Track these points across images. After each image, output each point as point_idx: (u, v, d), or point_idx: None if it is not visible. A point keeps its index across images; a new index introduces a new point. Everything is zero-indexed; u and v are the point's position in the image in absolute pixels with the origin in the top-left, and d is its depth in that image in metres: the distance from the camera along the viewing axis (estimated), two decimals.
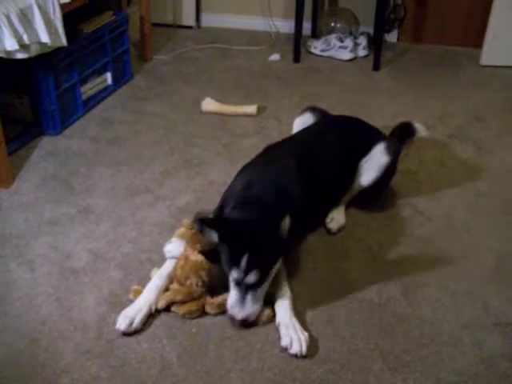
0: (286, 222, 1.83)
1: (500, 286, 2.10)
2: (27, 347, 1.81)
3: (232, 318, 1.85)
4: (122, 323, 1.84)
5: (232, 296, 1.85)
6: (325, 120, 2.64)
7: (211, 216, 2.02)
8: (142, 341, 1.84)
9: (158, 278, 1.98)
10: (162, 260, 2.16)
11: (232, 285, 1.85)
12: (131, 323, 1.84)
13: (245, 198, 1.96)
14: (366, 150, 2.43)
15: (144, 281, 2.06)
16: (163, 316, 1.93)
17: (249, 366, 1.76)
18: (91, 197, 2.57)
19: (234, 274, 1.82)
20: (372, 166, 2.40)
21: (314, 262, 2.20)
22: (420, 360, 1.79)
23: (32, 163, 2.83)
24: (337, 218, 2.40)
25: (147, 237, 2.32)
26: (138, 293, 1.96)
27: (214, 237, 1.89)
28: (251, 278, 1.79)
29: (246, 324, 1.85)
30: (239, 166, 2.24)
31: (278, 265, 1.90)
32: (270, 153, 2.29)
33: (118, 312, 1.91)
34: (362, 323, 1.92)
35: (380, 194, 2.53)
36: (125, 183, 2.68)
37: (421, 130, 2.77)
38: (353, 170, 2.42)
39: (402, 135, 2.72)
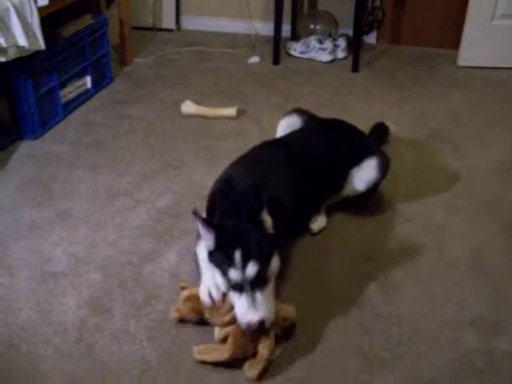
0: (268, 218, 1.85)
1: (476, 284, 2.13)
2: (6, 352, 1.81)
3: (249, 326, 1.72)
4: (206, 297, 1.83)
5: (241, 304, 1.74)
6: (315, 123, 2.63)
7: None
8: (122, 343, 1.84)
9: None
10: (141, 263, 2.17)
11: (237, 296, 1.76)
12: (218, 289, 1.83)
13: (232, 200, 1.97)
14: (356, 159, 2.44)
15: (124, 283, 2.07)
16: (144, 319, 1.93)
17: (228, 367, 1.75)
18: (71, 200, 2.57)
19: (233, 276, 1.75)
20: (362, 179, 2.42)
21: (293, 262, 2.21)
22: (399, 358, 1.81)
23: (11, 167, 2.82)
24: (318, 219, 2.42)
25: (127, 240, 2.32)
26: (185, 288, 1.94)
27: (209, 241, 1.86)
28: (250, 270, 1.73)
29: (263, 328, 1.73)
30: (219, 169, 2.25)
31: (276, 263, 1.85)
32: (258, 152, 2.31)
33: (98, 315, 1.92)
34: (341, 322, 1.94)
35: (364, 202, 2.54)
36: (104, 186, 2.68)
37: (391, 126, 2.80)
38: (341, 178, 2.44)
39: (378, 135, 2.74)
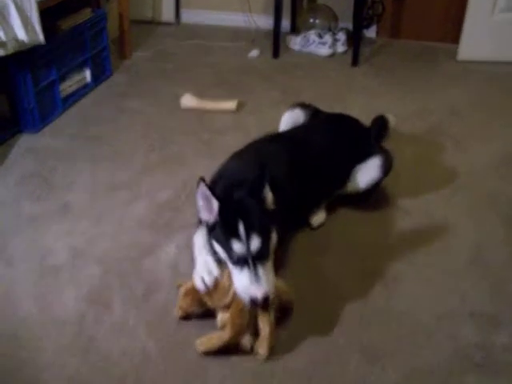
0: (270, 194, 1.86)
1: (476, 278, 2.13)
2: (7, 345, 1.81)
3: (254, 301, 1.70)
4: (199, 283, 1.83)
5: (243, 278, 1.73)
6: (322, 118, 2.64)
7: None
8: (122, 336, 1.84)
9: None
10: (141, 256, 2.17)
11: (238, 271, 1.75)
12: (210, 273, 1.84)
13: (234, 180, 1.98)
14: (361, 157, 2.45)
15: (124, 276, 2.07)
16: (143, 312, 1.94)
17: (228, 358, 1.76)
18: (71, 194, 2.57)
19: (237, 249, 1.74)
20: (365, 177, 2.43)
21: (293, 257, 2.21)
22: (398, 351, 1.81)
23: (11, 161, 2.82)
24: (318, 214, 2.41)
25: (127, 233, 2.32)
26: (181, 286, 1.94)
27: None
28: (255, 244, 1.73)
29: (266, 303, 1.72)
30: (219, 162, 2.24)
31: (275, 239, 1.86)
32: (260, 144, 2.32)
33: (98, 308, 1.92)
34: (341, 315, 1.94)
35: (366, 200, 2.54)
36: (104, 180, 2.68)
37: (391, 119, 2.80)
38: (344, 174, 2.44)
39: (379, 129, 2.74)
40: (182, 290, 1.91)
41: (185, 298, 1.89)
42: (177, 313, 1.90)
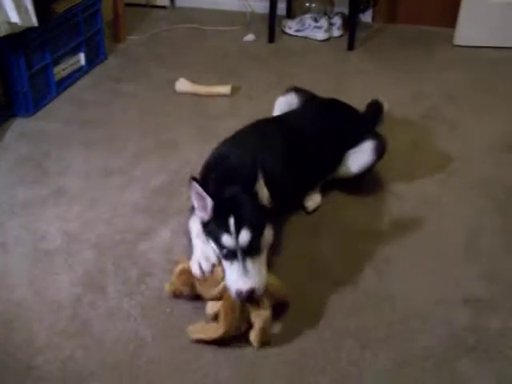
0: (265, 190, 1.86)
1: (470, 263, 2.13)
2: (1, 329, 1.81)
3: (239, 294, 1.72)
4: (196, 268, 1.85)
5: (232, 272, 1.76)
6: (315, 102, 2.63)
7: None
8: (116, 320, 1.85)
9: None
10: (135, 240, 2.17)
11: (228, 264, 1.78)
12: (208, 260, 1.86)
13: (227, 171, 2.00)
14: (354, 141, 2.44)
15: (118, 261, 2.07)
16: (138, 296, 1.94)
17: (223, 345, 1.76)
18: (65, 178, 2.56)
19: (226, 242, 1.76)
20: (357, 161, 2.42)
21: (286, 239, 2.22)
22: (391, 336, 1.82)
23: (4, 145, 2.80)
24: (313, 197, 2.42)
25: (121, 217, 2.32)
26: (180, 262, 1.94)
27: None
28: (244, 237, 1.75)
29: (254, 298, 1.74)
30: (213, 147, 2.24)
31: (269, 234, 1.87)
32: (253, 128, 2.32)
33: (93, 292, 1.93)
34: (333, 300, 1.95)
35: (358, 182, 2.54)
36: (98, 164, 2.67)
37: (385, 103, 2.80)
38: (338, 158, 2.44)
39: (373, 113, 2.74)
40: (179, 267, 1.91)
41: (179, 276, 1.89)
42: (168, 288, 1.91)
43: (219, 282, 1.82)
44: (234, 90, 3.35)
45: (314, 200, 2.41)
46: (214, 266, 1.86)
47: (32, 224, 2.27)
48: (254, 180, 1.83)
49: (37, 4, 2.82)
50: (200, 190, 1.82)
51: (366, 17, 4.55)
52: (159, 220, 2.31)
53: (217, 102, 3.26)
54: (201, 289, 1.86)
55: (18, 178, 2.55)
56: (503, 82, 3.58)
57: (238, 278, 1.74)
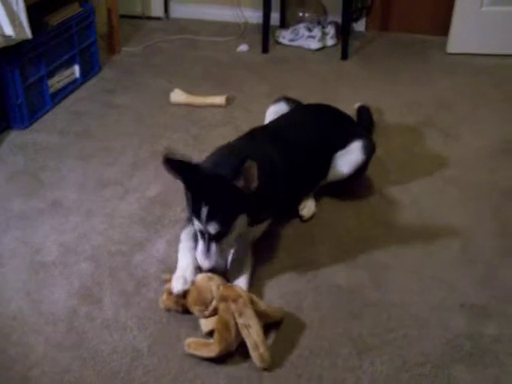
0: (255, 172, 1.88)
1: (466, 269, 2.14)
2: None
3: (200, 268, 1.92)
4: (177, 284, 1.88)
5: (199, 246, 1.93)
6: (303, 108, 2.65)
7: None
8: (113, 332, 1.85)
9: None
10: (131, 252, 2.18)
11: (199, 235, 1.94)
12: (185, 282, 1.89)
13: (215, 160, 2.04)
14: (342, 143, 2.44)
15: (114, 272, 2.07)
16: (134, 307, 1.94)
17: (218, 362, 1.75)
18: (60, 190, 2.56)
19: (197, 225, 1.90)
20: (347, 161, 2.43)
21: (282, 249, 2.22)
22: (387, 343, 1.82)
23: (0, 158, 2.80)
24: (308, 205, 2.42)
25: (117, 229, 2.32)
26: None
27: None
28: (211, 228, 1.86)
29: (215, 272, 1.91)
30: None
31: (243, 222, 1.94)
32: (251, 134, 2.34)
33: (89, 304, 1.93)
34: (330, 308, 1.95)
35: (351, 185, 2.55)
36: (94, 176, 2.67)
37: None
38: (328, 162, 2.45)
39: (366, 119, 2.76)
40: (168, 286, 1.92)
41: (168, 296, 1.91)
42: (161, 304, 1.92)
43: (210, 301, 1.82)
44: (229, 101, 3.36)
45: (308, 208, 2.41)
46: (192, 283, 1.89)
47: (28, 236, 2.28)
48: (237, 164, 1.85)
49: (31, 17, 2.84)
50: (168, 167, 1.88)
51: (360, 26, 4.57)
52: (155, 231, 2.31)
53: (212, 113, 3.27)
54: (193, 308, 1.86)
55: (13, 191, 2.55)
56: (496, 88, 3.60)
57: (201, 256, 1.91)
